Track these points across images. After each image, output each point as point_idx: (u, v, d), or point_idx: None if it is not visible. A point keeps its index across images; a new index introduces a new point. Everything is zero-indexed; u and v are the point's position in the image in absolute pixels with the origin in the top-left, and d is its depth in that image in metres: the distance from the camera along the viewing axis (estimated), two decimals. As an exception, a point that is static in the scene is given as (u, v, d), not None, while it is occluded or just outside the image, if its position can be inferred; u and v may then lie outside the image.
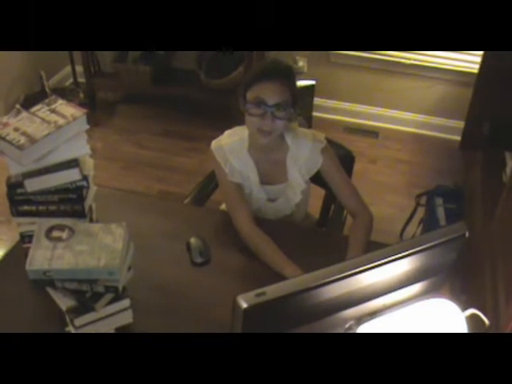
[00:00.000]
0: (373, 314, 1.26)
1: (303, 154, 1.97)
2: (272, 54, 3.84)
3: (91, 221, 1.76)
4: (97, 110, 4.14)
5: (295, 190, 2.03)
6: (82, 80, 4.21)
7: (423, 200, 3.11)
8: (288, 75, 1.87)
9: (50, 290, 1.50)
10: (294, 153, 1.97)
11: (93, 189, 1.75)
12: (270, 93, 1.81)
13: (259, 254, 1.82)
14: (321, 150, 1.96)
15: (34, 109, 1.67)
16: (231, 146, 1.97)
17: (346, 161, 2.21)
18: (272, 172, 2.01)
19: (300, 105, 1.92)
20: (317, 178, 2.04)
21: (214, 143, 1.99)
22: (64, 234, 1.53)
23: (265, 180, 2.02)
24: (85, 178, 1.66)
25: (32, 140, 1.55)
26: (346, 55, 3.94)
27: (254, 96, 1.83)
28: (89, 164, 1.72)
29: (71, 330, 1.47)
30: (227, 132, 2.03)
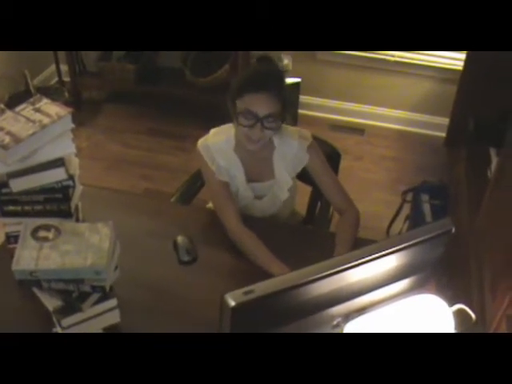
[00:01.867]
0: (360, 311, 1.27)
1: (290, 152, 1.97)
2: (258, 52, 3.84)
3: (77, 220, 1.76)
4: (82, 110, 4.11)
5: (282, 188, 2.03)
6: (66, 79, 4.19)
7: (409, 196, 3.12)
8: (280, 85, 1.84)
9: (37, 291, 1.49)
10: (280, 151, 1.97)
11: (79, 188, 1.75)
12: (260, 104, 1.79)
13: (247, 252, 1.82)
14: (307, 147, 1.96)
15: (18, 108, 1.66)
16: (218, 146, 1.96)
17: (333, 158, 2.21)
18: (258, 170, 2.01)
19: (289, 109, 1.91)
20: (303, 175, 2.04)
21: (201, 142, 1.98)
22: (50, 234, 1.52)
23: (251, 178, 2.02)
24: (70, 177, 1.65)
25: (17, 139, 1.54)
26: (332, 53, 3.94)
27: (244, 107, 1.80)
28: (74, 163, 1.71)
29: (58, 330, 1.46)
30: (213, 130, 2.02)
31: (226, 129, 1.99)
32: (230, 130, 1.97)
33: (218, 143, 1.96)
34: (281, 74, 1.92)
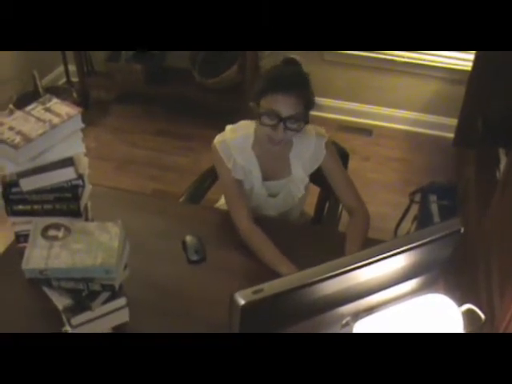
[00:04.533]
0: (369, 310, 1.27)
1: (308, 150, 1.98)
2: (266, 53, 3.84)
3: (87, 220, 1.76)
4: (90, 110, 4.13)
5: (298, 186, 2.04)
6: (75, 79, 4.20)
7: (417, 197, 3.11)
8: (305, 87, 1.85)
9: (47, 289, 1.50)
10: (298, 149, 1.98)
11: (88, 187, 1.75)
12: (284, 105, 1.79)
13: (256, 251, 1.83)
14: (325, 144, 1.97)
15: (28, 108, 1.67)
16: (236, 142, 1.96)
17: (341, 159, 2.21)
18: (275, 167, 2.02)
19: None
20: (311, 176, 2.05)
21: (218, 138, 1.98)
22: (60, 233, 1.53)
23: (267, 176, 2.02)
24: (80, 176, 1.66)
25: (27, 139, 1.55)
26: (340, 53, 3.94)
27: (268, 106, 1.81)
28: (84, 163, 1.72)
29: (68, 329, 1.47)
30: (229, 127, 2.02)
31: (243, 125, 1.99)
32: (247, 127, 1.97)
33: (236, 139, 1.97)
34: (306, 77, 1.92)
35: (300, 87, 1.83)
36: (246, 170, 1.98)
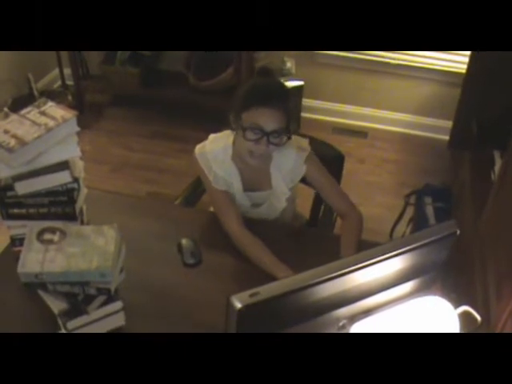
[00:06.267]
0: (366, 313, 1.27)
1: (287, 163, 1.96)
2: (262, 56, 3.85)
3: (82, 223, 1.76)
4: (85, 113, 4.13)
5: (280, 198, 2.02)
6: (70, 82, 4.20)
7: (412, 199, 3.12)
8: (286, 100, 1.83)
9: (42, 293, 1.49)
10: (277, 162, 1.96)
11: (83, 191, 1.75)
12: (268, 119, 1.77)
13: (250, 256, 1.82)
14: (305, 159, 1.95)
15: (23, 111, 1.67)
16: (215, 154, 1.95)
17: (336, 161, 2.21)
18: (255, 179, 2.01)
19: (293, 125, 1.90)
20: (305, 179, 2.04)
21: (198, 149, 1.98)
22: (55, 237, 1.53)
23: (248, 187, 2.01)
24: (75, 180, 1.66)
25: (22, 142, 1.55)
26: (334, 56, 3.95)
27: (251, 120, 1.79)
28: (79, 166, 1.72)
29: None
30: (212, 136, 2.01)
31: (225, 136, 1.97)
32: (228, 138, 1.96)
33: (216, 151, 1.96)
34: (286, 88, 1.91)
35: (284, 101, 1.81)
36: (228, 182, 1.97)
